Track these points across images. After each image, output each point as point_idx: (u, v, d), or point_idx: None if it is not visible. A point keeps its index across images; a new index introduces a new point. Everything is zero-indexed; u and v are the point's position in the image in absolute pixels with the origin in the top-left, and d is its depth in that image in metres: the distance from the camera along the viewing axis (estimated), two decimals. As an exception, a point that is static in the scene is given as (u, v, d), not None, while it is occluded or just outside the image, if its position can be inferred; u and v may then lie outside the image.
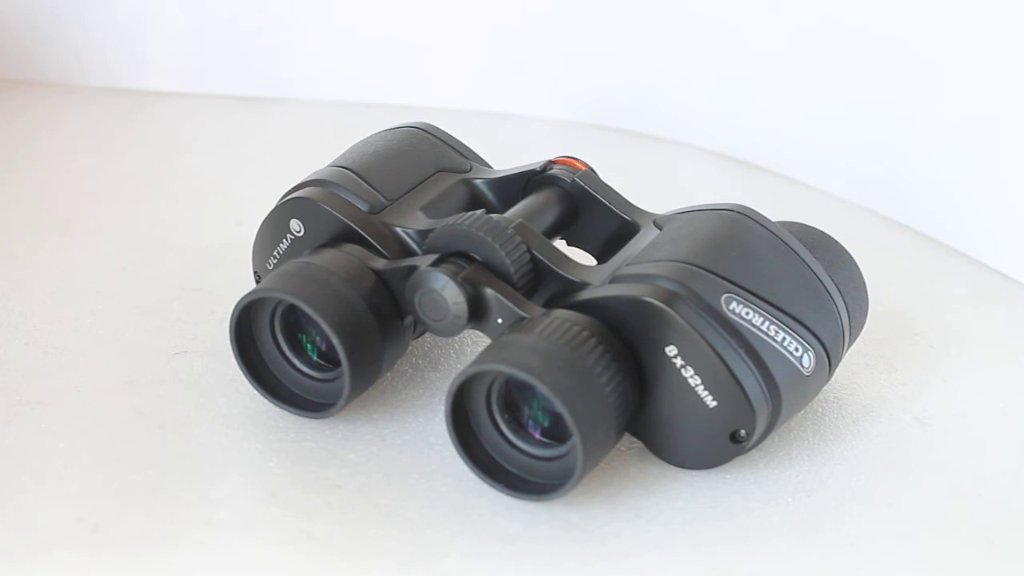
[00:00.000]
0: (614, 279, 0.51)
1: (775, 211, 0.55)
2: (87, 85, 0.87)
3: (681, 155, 0.80)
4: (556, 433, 0.49)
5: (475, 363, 0.48)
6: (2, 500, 0.49)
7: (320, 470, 0.51)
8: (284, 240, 0.55)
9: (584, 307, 0.50)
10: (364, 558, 0.47)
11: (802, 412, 0.54)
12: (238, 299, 0.52)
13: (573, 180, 0.57)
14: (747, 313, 0.49)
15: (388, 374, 0.56)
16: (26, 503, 0.49)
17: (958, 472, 0.52)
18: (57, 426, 0.53)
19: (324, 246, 0.54)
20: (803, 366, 0.50)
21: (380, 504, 0.50)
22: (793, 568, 0.48)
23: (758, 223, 0.52)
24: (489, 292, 0.51)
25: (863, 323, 0.56)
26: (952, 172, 0.69)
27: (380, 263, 0.53)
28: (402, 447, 0.53)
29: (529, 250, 0.52)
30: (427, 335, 0.58)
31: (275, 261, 0.56)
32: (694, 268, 0.49)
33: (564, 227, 0.57)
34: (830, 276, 0.52)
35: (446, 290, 0.51)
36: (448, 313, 0.51)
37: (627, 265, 0.51)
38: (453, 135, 0.60)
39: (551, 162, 0.58)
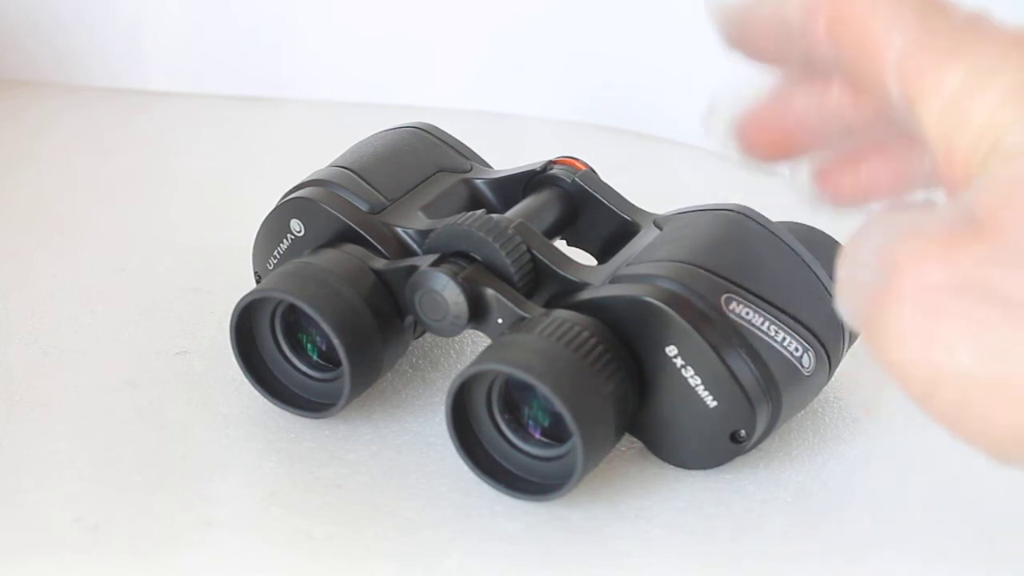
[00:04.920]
0: (614, 279, 0.51)
1: (775, 211, 0.55)
2: (87, 85, 0.87)
3: (681, 155, 0.80)
4: (556, 433, 0.49)
5: (475, 363, 0.48)
6: (2, 500, 0.49)
7: (320, 470, 0.51)
8: (284, 240, 0.55)
9: (584, 307, 0.50)
10: (364, 558, 0.47)
11: (802, 412, 0.54)
12: (238, 299, 0.52)
13: (573, 180, 0.57)
14: (747, 313, 0.49)
15: (388, 374, 0.56)
16: (26, 503, 0.49)
17: (958, 472, 0.52)
18: (57, 426, 0.53)
19: (324, 246, 0.54)
20: (803, 366, 0.50)
21: (380, 504, 0.50)
22: (793, 568, 0.48)
23: (758, 223, 0.52)
24: (489, 292, 0.51)
25: (863, 323, 0.56)
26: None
27: (380, 263, 0.53)
28: (402, 447, 0.53)
29: (529, 250, 0.52)
30: (427, 335, 0.58)
31: (275, 261, 0.56)
32: (694, 268, 0.49)
33: (564, 227, 0.57)
34: (830, 276, 0.52)
35: (446, 290, 0.51)
36: (448, 313, 0.51)
37: (627, 265, 0.51)
38: (453, 135, 0.60)
39: (551, 162, 0.58)
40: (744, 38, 0.42)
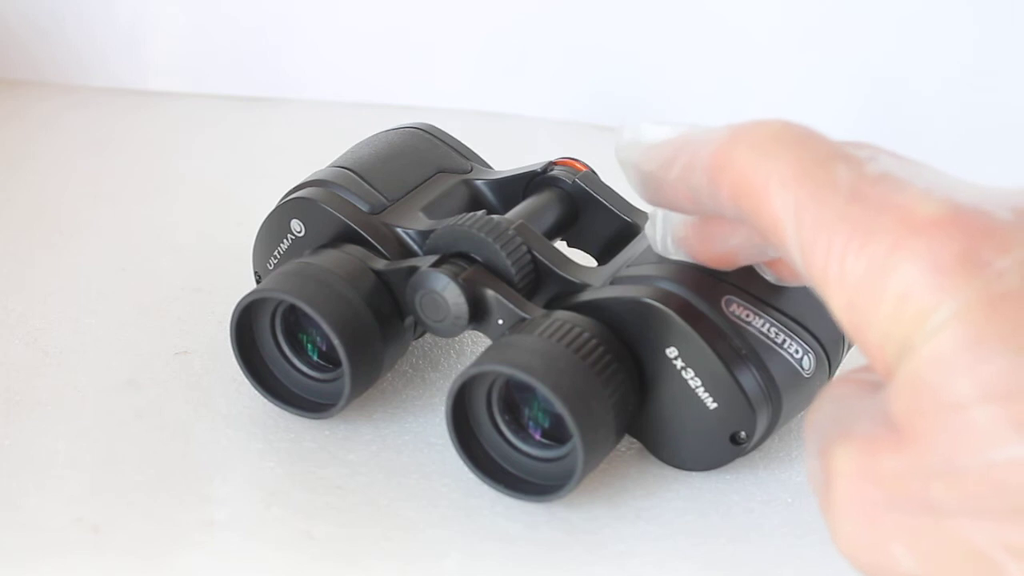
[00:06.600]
0: (615, 280, 0.51)
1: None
2: (87, 85, 0.87)
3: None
4: (556, 434, 0.49)
5: (476, 364, 0.48)
6: (2, 500, 0.49)
7: (320, 470, 0.51)
8: (285, 240, 0.55)
9: (585, 308, 0.50)
10: (364, 558, 0.47)
11: (802, 413, 0.54)
12: (238, 299, 0.52)
13: (574, 181, 0.57)
14: (747, 315, 0.49)
15: (388, 374, 0.56)
16: (26, 503, 0.49)
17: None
18: (57, 426, 0.53)
19: (325, 246, 0.54)
20: (803, 368, 0.50)
21: (380, 504, 0.50)
22: (793, 568, 0.48)
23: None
24: (490, 293, 0.51)
25: (863, 324, 0.56)
26: (955, 173, 0.69)
27: (381, 263, 0.53)
28: (402, 447, 0.53)
29: (530, 251, 0.52)
30: (427, 335, 0.58)
31: (276, 261, 0.56)
32: (695, 270, 0.49)
33: (565, 228, 0.57)
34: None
35: (447, 291, 0.51)
36: (449, 314, 0.51)
37: (628, 267, 0.51)
38: (453, 135, 0.60)
39: (552, 163, 0.58)
40: (659, 198, 0.43)
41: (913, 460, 0.32)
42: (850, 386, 0.36)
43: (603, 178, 0.58)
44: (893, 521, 0.32)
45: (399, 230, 0.54)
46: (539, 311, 0.50)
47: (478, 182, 0.58)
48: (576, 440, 0.47)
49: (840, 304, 0.34)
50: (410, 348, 0.57)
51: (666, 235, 0.47)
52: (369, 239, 0.54)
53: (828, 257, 0.34)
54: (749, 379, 0.48)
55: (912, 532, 0.32)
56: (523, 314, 0.50)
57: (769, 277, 0.48)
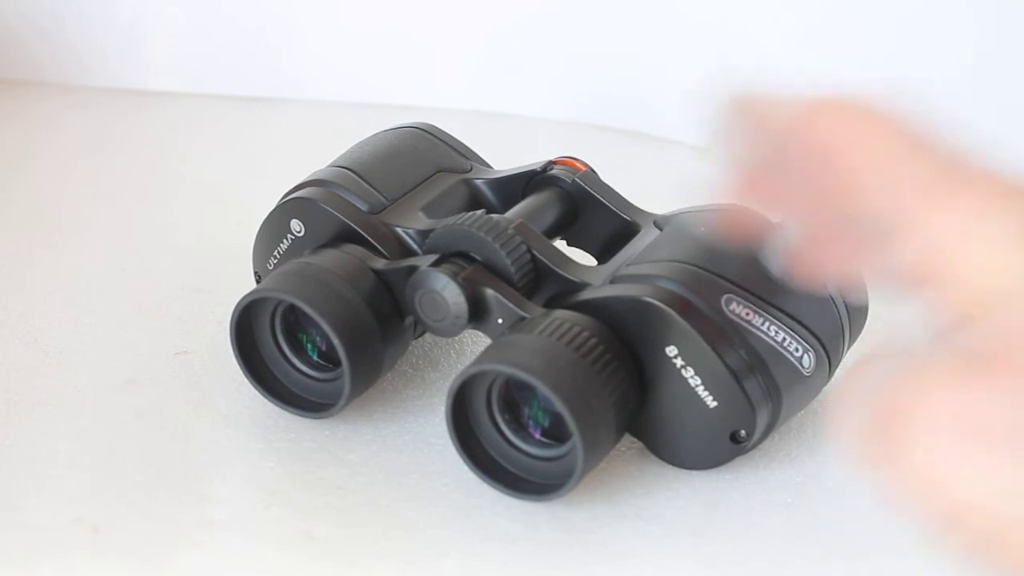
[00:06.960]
0: (614, 279, 0.51)
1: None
2: (87, 85, 0.87)
3: (681, 155, 0.80)
4: (556, 433, 0.49)
5: (476, 363, 0.48)
6: (2, 500, 0.49)
7: (320, 470, 0.51)
8: (284, 240, 0.55)
9: (584, 307, 0.50)
10: (364, 558, 0.47)
11: (802, 412, 0.54)
12: (238, 299, 0.52)
13: (573, 180, 0.57)
14: (747, 314, 0.49)
15: (388, 374, 0.56)
16: (26, 503, 0.49)
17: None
18: (57, 426, 0.53)
19: (324, 246, 0.54)
20: (803, 366, 0.50)
21: (380, 504, 0.50)
22: (793, 568, 0.48)
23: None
24: (489, 292, 0.51)
25: (863, 323, 0.56)
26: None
27: (380, 263, 0.53)
28: (402, 447, 0.53)
29: (529, 250, 0.52)
30: (427, 335, 0.58)
31: (275, 261, 0.56)
32: (694, 268, 0.49)
33: (564, 227, 0.57)
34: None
35: (447, 290, 0.51)
36: (448, 313, 0.51)
37: (627, 265, 0.51)
38: (453, 135, 0.60)
39: (551, 162, 0.58)
40: (740, 121, 0.42)
41: (1006, 390, 0.31)
42: (881, 359, 0.35)
43: (603, 177, 0.58)
44: (975, 452, 0.32)
45: (399, 230, 0.54)
46: (539, 310, 0.50)
47: (478, 181, 0.58)
48: (576, 439, 0.47)
49: (923, 247, 0.34)
50: (410, 348, 0.57)
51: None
52: (369, 239, 0.54)
53: (919, 201, 0.34)
54: (749, 378, 0.48)
55: (997, 466, 0.31)
56: (523, 313, 0.50)
57: (775, 268, 0.48)
